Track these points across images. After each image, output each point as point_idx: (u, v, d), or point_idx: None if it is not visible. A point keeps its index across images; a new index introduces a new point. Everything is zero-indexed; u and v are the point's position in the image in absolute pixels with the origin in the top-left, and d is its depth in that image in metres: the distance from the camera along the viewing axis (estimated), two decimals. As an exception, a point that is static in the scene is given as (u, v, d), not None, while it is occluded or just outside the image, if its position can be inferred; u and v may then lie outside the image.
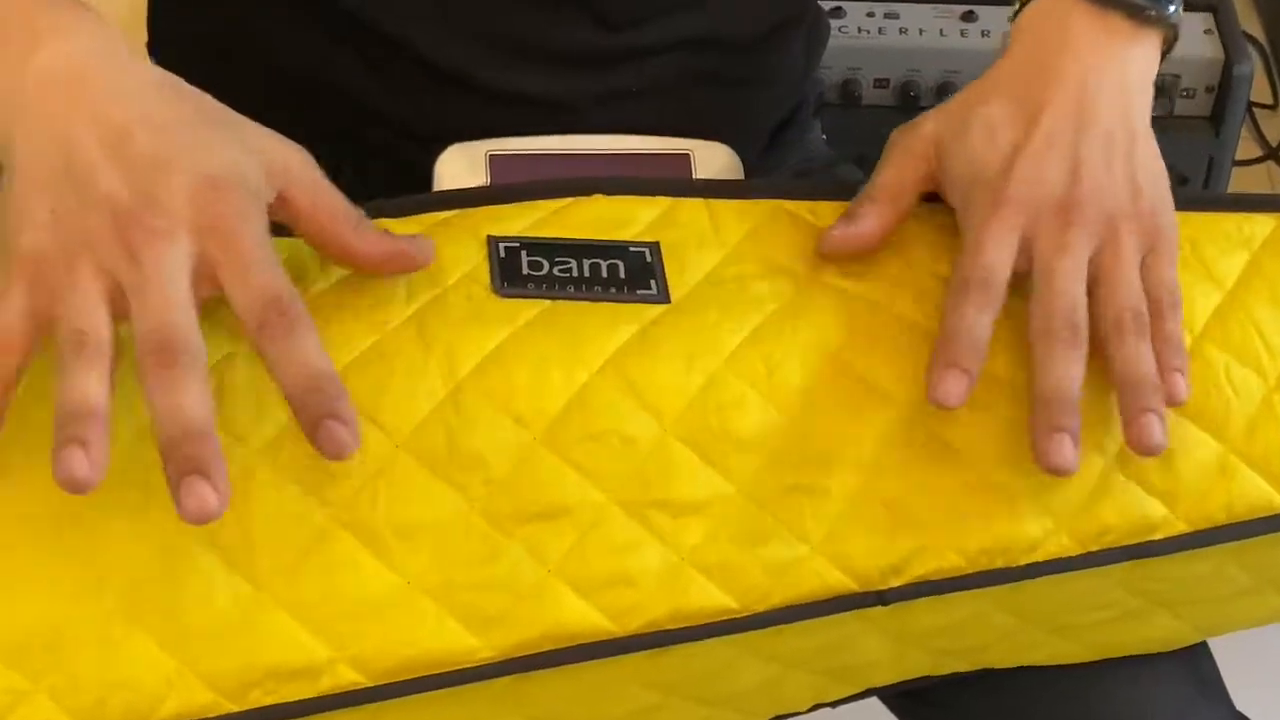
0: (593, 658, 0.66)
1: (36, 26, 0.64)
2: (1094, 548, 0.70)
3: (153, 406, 0.58)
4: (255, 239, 0.62)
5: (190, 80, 0.66)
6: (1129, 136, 0.72)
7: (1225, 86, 1.39)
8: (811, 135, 0.99)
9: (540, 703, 0.68)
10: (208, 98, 0.65)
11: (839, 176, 0.97)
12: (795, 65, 0.93)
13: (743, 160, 0.83)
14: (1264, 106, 2.05)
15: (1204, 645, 0.82)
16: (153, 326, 0.59)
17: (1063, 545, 0.70)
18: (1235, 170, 1.95)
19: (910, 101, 1.40)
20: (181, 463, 0.58)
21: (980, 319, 0.67)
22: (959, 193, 0.72)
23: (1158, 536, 0.71)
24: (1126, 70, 0.73)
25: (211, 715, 0.62)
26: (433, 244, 0.68)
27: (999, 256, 0.68)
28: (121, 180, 0.60)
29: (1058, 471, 0.66)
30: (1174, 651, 0.79)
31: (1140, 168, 0.71)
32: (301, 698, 0.63)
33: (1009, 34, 0.75)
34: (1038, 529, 0.69)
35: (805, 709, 0.77)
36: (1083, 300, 0.68)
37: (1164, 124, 1.40)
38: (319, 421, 0.60)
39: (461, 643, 0.65)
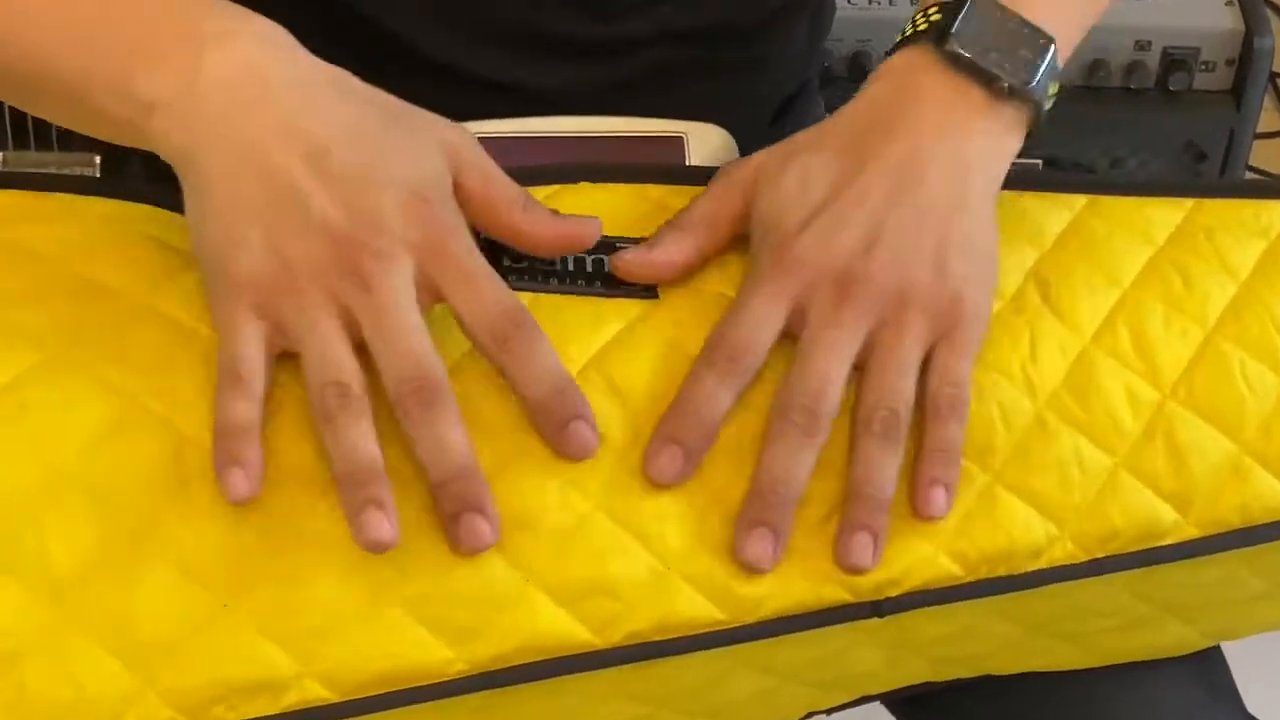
0: (573, 671, 0.63)
1: (200, 31, 0.62)
2: (1100, 554, 0.67)
3: (419, 447, 0.60)
4: (469, 250, 0.61)
5: None
6: (953, 209, 0.65)
7: (1246, 59, 1.35)
8: (814, 113, 0.96)
9: (519, 717, 0.65)
10: (376, 91, 0.64)
11: None
12: (798, 50, 0.89)
13: (742, 142, 0.79)
14: (1290, 77, 2.01)
15: (1215, 647, 0.79)
16: (406, 365, 0.59)
17: (1068, 552, 0.67)
18: (1256, 143, 1.92)
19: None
20: (456, 501, 0.60)
21: (718, 394, 0.63)
22: (756, 236, 0.67)
23: (1168, 542, 0.68)
24: (970, 141, 0.67)
25: None
26: (599, 222, 0.65)
27: (760, 326, 0.63)
28: (333, 201, 0.60)
29: (748, 569, 0.63)
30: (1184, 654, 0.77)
31: (956, 246, 0.65)
32: (266, 714, 0.61)
33: (867, 80, 0.70)
34: (1041, 535, 0.66)
35: (798, 718, 0.74)
36: (836, 385, 0.63)
37: (1184, 98, 1.37)
38: (565, 423, 0.61)
39: (435, 655, 0.62)
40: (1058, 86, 0.69)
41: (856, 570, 0.63)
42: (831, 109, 0.98)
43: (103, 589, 0.59)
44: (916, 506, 0.64)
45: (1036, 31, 0.68)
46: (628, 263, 0.66)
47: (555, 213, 0.65)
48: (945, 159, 0.66)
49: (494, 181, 0.64)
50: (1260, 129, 1.94)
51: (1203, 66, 1.36)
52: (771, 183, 0.67)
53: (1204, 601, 0.72)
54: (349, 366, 0.60)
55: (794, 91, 0.93)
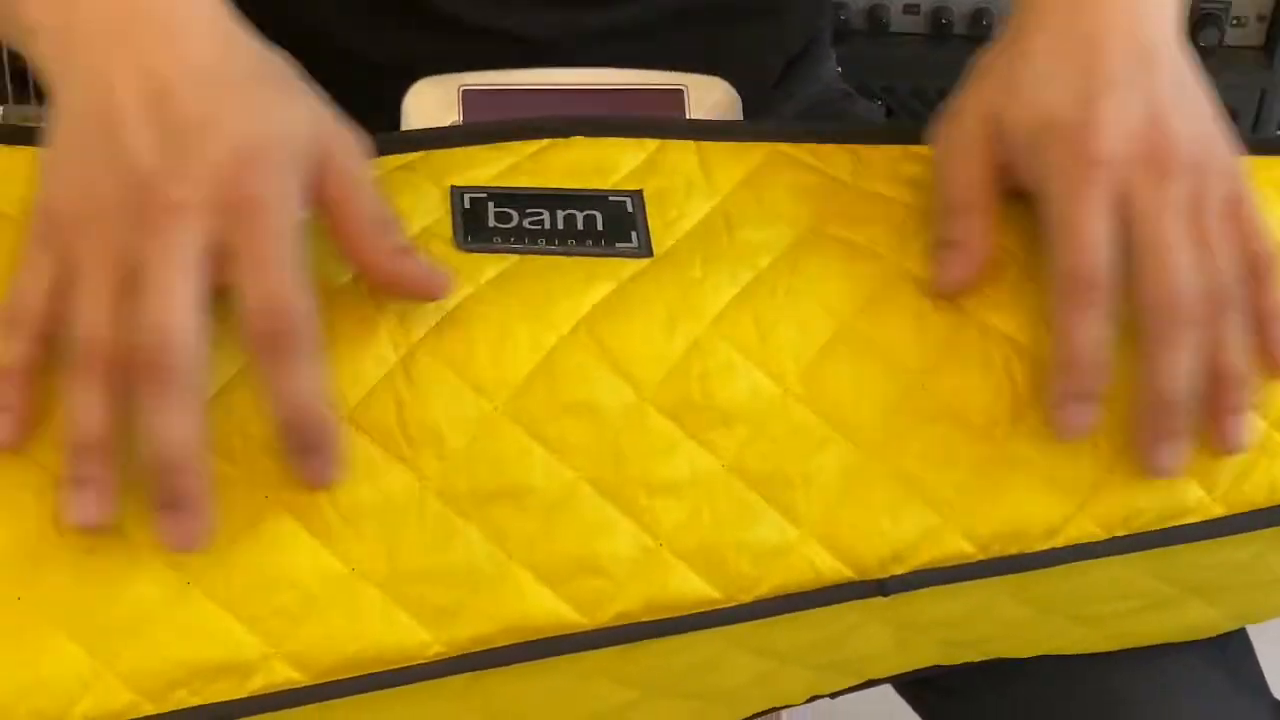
0: (559, 653, 0.60)
1: None
2: (1121, 532, 0.63)
3: (138, 424, 0.54)
4: (280, 229, 0.55)
5: None
6: (1182, 78, 0.63)
7: (1279, 14, 1.30)
8: (825, 67, 0.91)
9: (502, 702, 0.62)
10: (267, 51, 0.59)
11: (851, 114, 0.89)
12: (808, 1, 0.85)
13: (747, 97, 0.75)
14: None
15: (1240, 631, 0.75)
16: (149, 335, 0.53)
17: (1086, 530, 0.63)
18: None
19: (943, 29, 1.31)
20: (165, 493, 0.54)
21: (1095, 326, 0.59)
22: (1028, 155, 0.61)
23: (1192, 520, 0.64)
24: (1164, 14, 0.63)
25: (131, 717, 0.56)
26: (451, 278, 0.60)
27: (1098, 234, 0.59)
28: (152, 142, 0.54)
29: (1163, 475, 0.62)
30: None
31: (1201, 98, 0.63)
32: (232, 698, 0.57)
33: None
34: (1058, 512, 0.62)
35: (800, 702, 0.71)
36: (1199, 268, 0.59)
37: (1214, 55, 1.32)
38: (300, 455, 0.56)
39: (412, 637, 0.58)
40: None
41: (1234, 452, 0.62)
42: (845, 64, 0.94)
43: (59, 566, 0.56)
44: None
45: None
46: (957, 275, 0.62)
47: (409, 253, 0.59)
48: (1154, 14, 0.63)
49: (358, 193, 0.58)
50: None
51: (1234, 22, 1.30)
52: (1012, 103, 0.62)
53: (1229, 583, 0.68)
54: (99, 323, 0.54)
55: (803, 46, 0.89)
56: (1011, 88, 0.62)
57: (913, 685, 0.78)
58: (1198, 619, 0.70)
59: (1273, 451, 0.64)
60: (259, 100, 0.57)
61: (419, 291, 0.59)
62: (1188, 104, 0.62)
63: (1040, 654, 0.71)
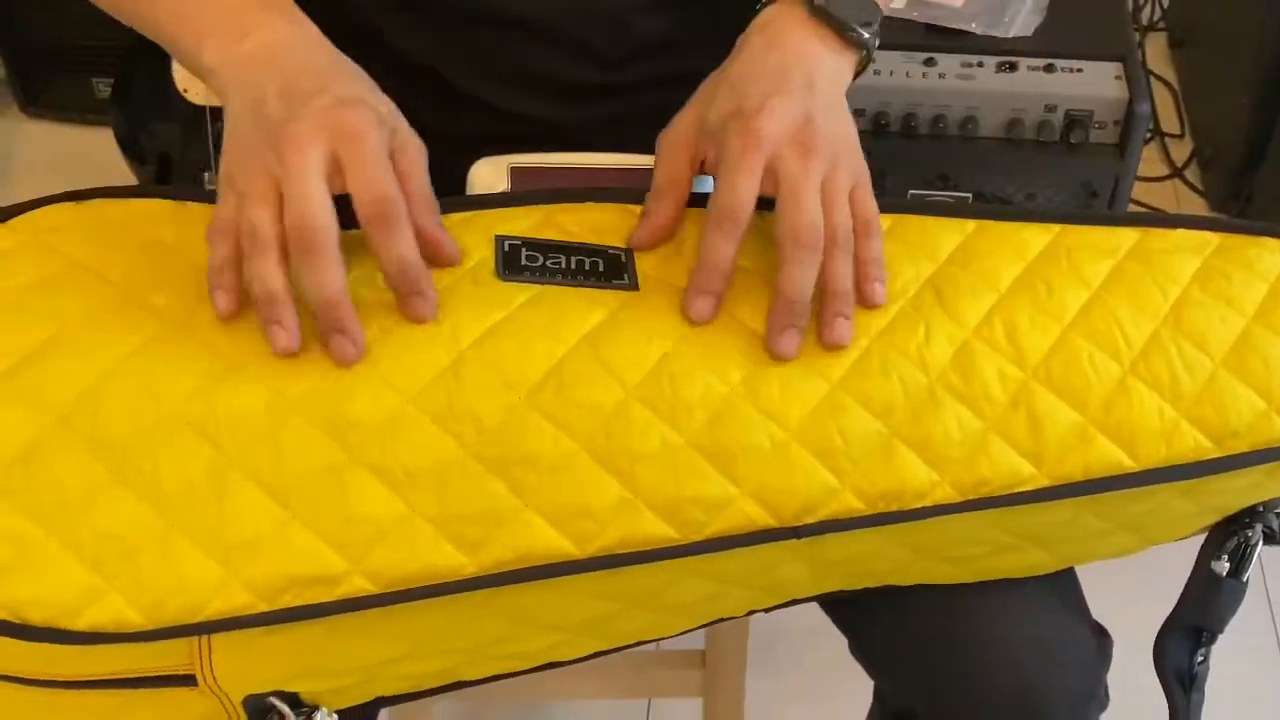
0: (558, 575, 0.60)
1: (245, 23, 0.63)
2: (972, 496, 0.63)
3: (301, 282, 0.58)
4: (374, 146, 0.59)
5: None
6: (834, 103, 0.65)
7: (1129, 121, 1.29)
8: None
9: (515, 609, 0.62)
10: (357, 66, 0.64)
11: None
12: None
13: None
14: (1173, 135, 1.94)
15: (1070, 570, 0.74)
16: (295, 219, 0.58)
17: (946, 494, 0.63)
18: (1145, 185, 1.85)
19: (880, 129, 1.31)
20: (328, 324, 0.58)
21: (727, 249, 0.62)
22: (717, 139, 0.64)
23: (1025, 489, 0.63)
24: (827, 65, 0.66)
25: (248, 613, 0.57)
26: (459, 251, 0.63)
27: (748, 188, 0.62)
28: (281, 108, 0.59)
29: (781, 359, 0.61)
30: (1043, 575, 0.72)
31: (844, 122, 0.65)
32: (322, 600, 0.58)
33: (745, 33, 0.68)
34: (926, 479, 0.62)
35: (742, 614, 0.70)
36: (821, 217, 0.62)
37: (1081, 149, 1.31)
38: (407, 298, 0.60)
39: (453, 560, 0.59)
40: (878, 41, 0.69)
41: (833, 347, 0.62)
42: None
43: (198, 501, 0.57)
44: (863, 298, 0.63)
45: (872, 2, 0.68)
46: (641, 238, 0.65)
47: (439, 226, 0.63)
48: (823, 75, 0.66)
49: (418, 175, 0.62)
50: (1150, 174, 1.88)
51: (1096, 125, 1.29)
52: (711, 108, 0.65)
53: (1056, 536, 0.68)
54: (261, 216, 0.58)
55: None
56: (713, 98, 0.65)
57: (830, 603, 0.77)
58: (1035, 561, 0.70)
59: (1087, 440, 0.63)
60: (351, 80, 0.62)
61: (442, 258, 0.62)
62: (833, 117, 0.64)
63: (919, 583, 0.70)
